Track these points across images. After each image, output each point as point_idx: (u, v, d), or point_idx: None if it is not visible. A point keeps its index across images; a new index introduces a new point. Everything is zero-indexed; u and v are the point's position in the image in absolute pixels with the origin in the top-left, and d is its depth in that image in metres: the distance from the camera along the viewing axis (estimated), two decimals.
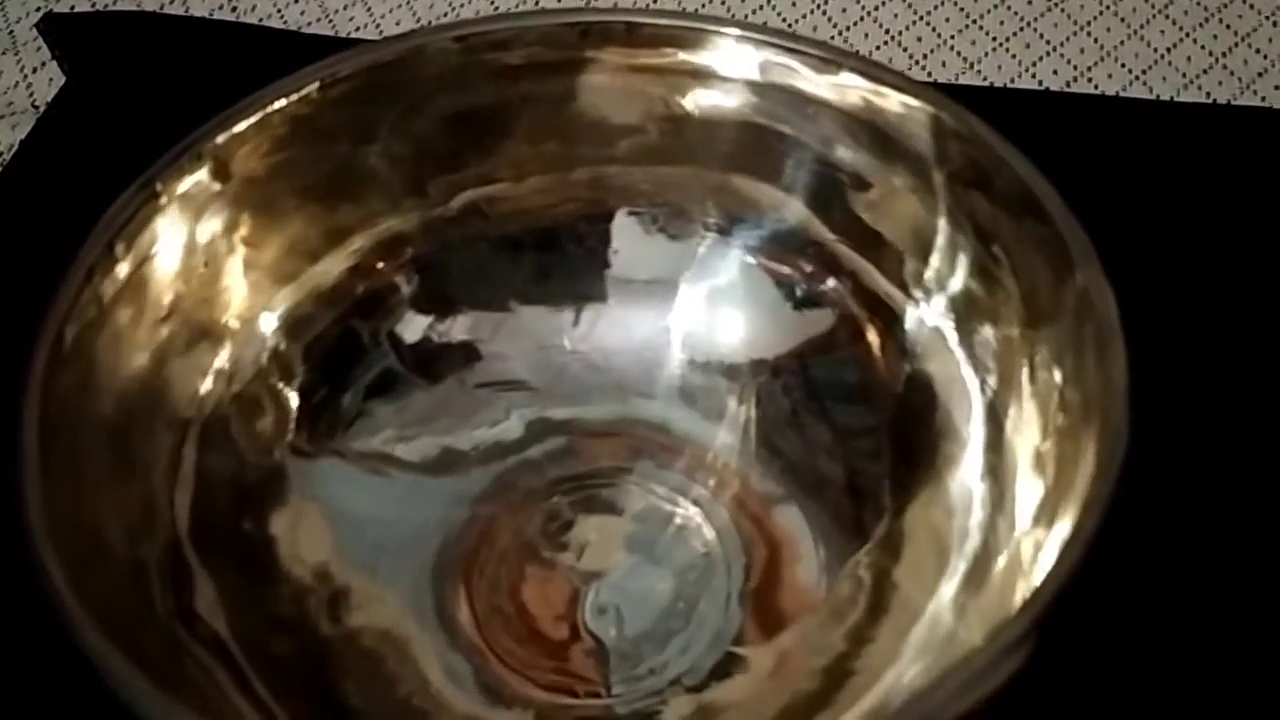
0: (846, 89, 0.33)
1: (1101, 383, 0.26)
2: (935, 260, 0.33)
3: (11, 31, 0.55)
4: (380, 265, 0.35)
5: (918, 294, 0.33)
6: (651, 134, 0.35)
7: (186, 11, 0.53)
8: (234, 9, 0.55)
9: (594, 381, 0.36)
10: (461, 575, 0.33)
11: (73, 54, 0.52)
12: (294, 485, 0.32)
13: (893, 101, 0.32)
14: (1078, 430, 0.27)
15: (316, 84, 0.33)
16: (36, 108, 0.52)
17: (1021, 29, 0.56)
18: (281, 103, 0.32)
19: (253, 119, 0.32)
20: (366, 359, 0.34)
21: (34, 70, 0.53)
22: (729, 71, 0.34)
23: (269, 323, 0.33)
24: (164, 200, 0.30)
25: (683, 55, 0.34)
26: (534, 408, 0.36)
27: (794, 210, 0.35)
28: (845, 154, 0.33)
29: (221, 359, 0.32)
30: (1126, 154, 0.48)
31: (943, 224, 0.32)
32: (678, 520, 0.35)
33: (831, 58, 0.33)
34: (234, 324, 0.32)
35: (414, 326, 0.35)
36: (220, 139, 0.31)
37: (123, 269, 0.29)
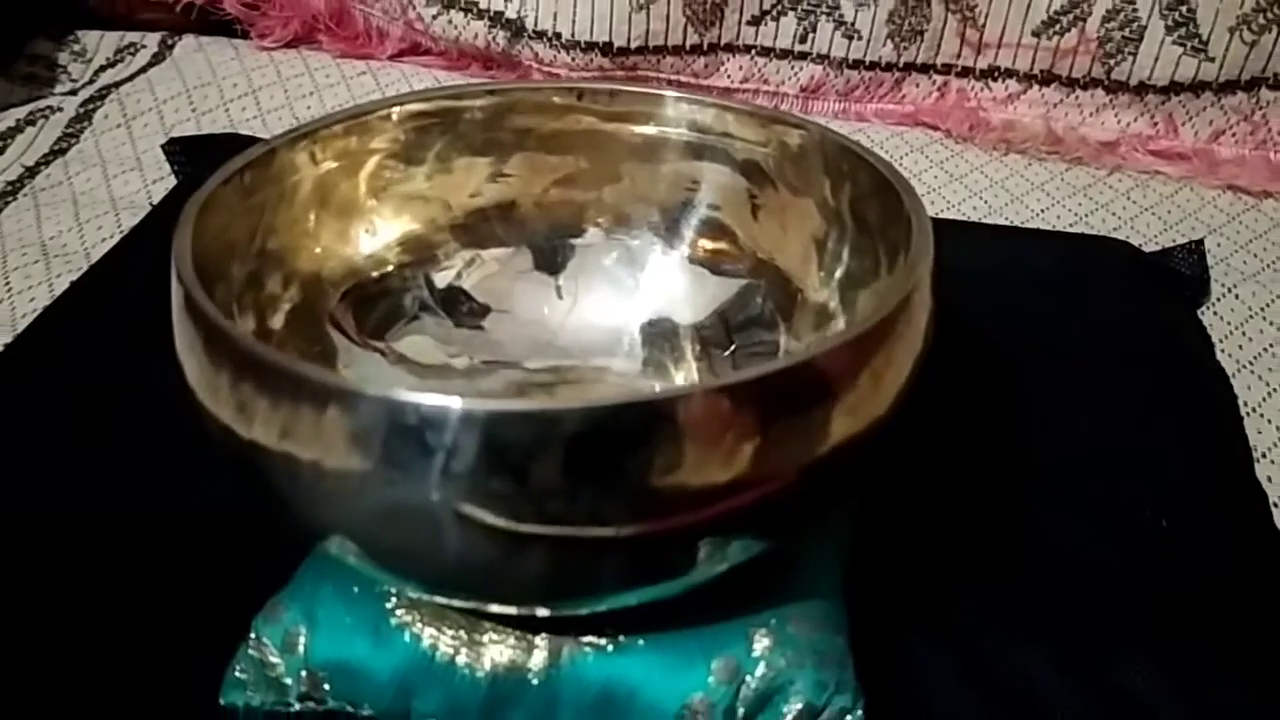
0: (760, 129, 0.46)
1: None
2: (828, 244, 0.45)
3: (139, 158, 0.70)
4: (419, 245, 0.47)
5: (811, 270, 0.45)
6: (618, 165, 0.48)
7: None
8: None
9: (569, 346, 0.48)
10: None
11: (186, 165, 0.67)
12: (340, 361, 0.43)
13: (793, 135, 0.46)
14: None
15: (392, 109, 0.46)
16: (152, 204, 0.66)
17: (925, 193, 0.71)
18: (365, 117, 0.46)
19: (340, 125, 0.45)
20: (410, 295, 0.46)
21: (154, 182, 0.68)
22: (677, 121, 0.48)
23: (337, 265, 0.45)
24: (277, 161, 0.43)
25: (645, 109, 0.48)
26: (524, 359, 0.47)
27: (720, 214, 0.48)
28: (760, 173, 0.47)
29: (294, 288, 0.44)
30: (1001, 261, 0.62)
31: (831, 218, 0.45)
32: None
33: (750, 110, 0.47)
34: (307, 266, 0.44)
35: (444, 278, 0.47)
36: (320, 133, 0.44)
37: (244, 193, 0.41)
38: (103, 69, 0.79)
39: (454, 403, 0.29)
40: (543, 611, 0.35)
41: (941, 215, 0.69)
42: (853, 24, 0.75)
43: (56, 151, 0.70)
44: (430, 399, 0.29)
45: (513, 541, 0.31)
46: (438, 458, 0.30)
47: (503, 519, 0.31)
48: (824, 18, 0.75)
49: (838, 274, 0.45)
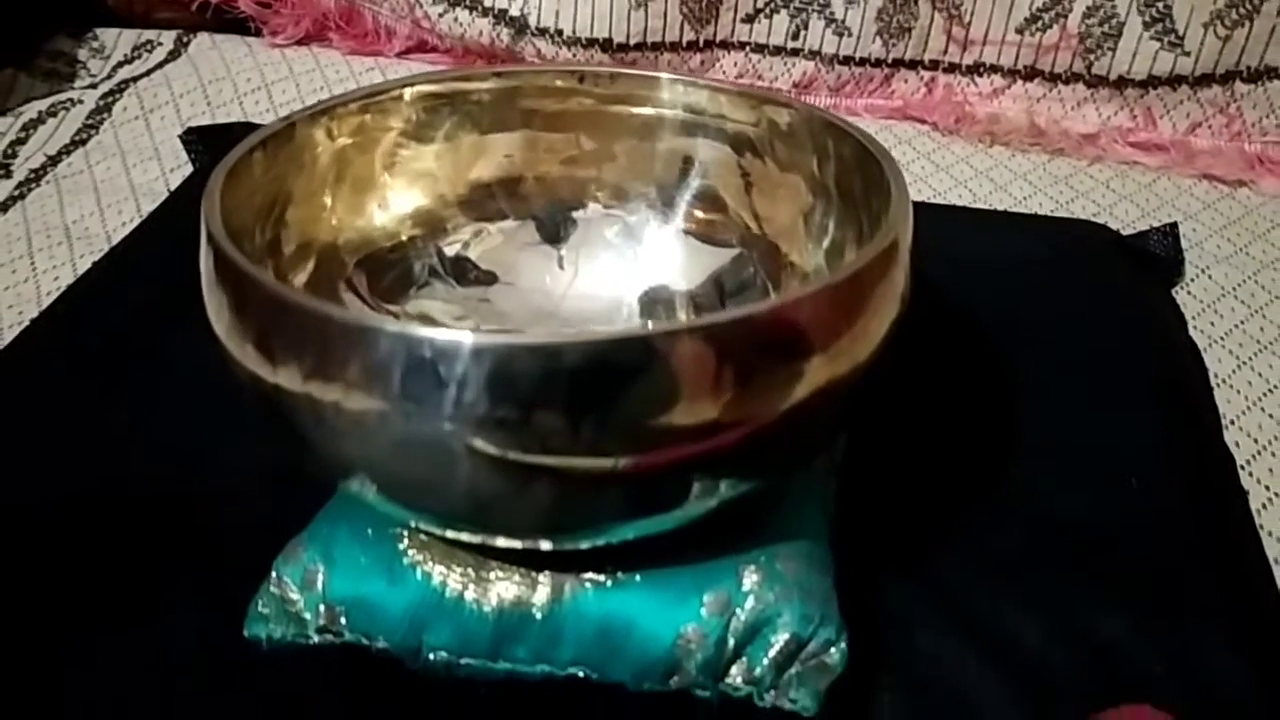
0: (751, 109, 0.49)
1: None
2: (815, 216, 0.48)
3: (156, 148, 0.73)
4: (429, 218, 0.50)
5: (799, 240, 0.48)
6: (616, 144, 0.51)
7: None
8: None
9: (571, 314, 0.50)
10: None
11: (203, 153, 0.70)
12: None
13: (783, 114, 0.49)
14: None
15: (404, 89, 0.49)
16: (169, 190, 0.69)
17: (913, 183, 0.74)
18: (379, 97, 0.48)
19: (356, 103, 0.48)
20: (420, 262, 0.49)
21: (171, 170, 0.71)
22: (672, 103, 0.51)
23: (352, 235, 0.48)
24: (297, 135, 0.46)
25: (642, 92, 0.51)
26: (528, 326, 0.50)
27: (713, 189, 0.50)
28: (751, 150, 0.49)
29: (311, 255, 0.46)
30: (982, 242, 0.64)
31: (818, 191, 0.48)
32: None
33: (741, 91, 0.50)
34: (324, 236, 0.47)
35: (452, 248, 0.50)
36: (337, 111, 0.47)
37: (266, 164, 0.44)
38: (121, 65, 0.82)
39: (466, 337, 0.32)
40: (546, 545, 0.38)
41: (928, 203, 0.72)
42: (843, 21, 0.78)
43: (77, 142, 0.73)
44: (444, 333, 0.32)
45: (519, 471, 0.34)
46: (450, 390, 0.32)
47: (510, 449, 0.33)
48: (815, 15, 0.78)
49: (825, 243, 0.48)
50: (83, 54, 0.83)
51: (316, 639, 0.40)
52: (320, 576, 0.40)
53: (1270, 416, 0.55)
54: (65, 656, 0.41)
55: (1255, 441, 0.54)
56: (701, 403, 0.33)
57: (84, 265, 0.62)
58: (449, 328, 0.32)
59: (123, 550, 0.45)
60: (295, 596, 0.40)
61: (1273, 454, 0.53)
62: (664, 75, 0.51)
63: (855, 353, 0.37)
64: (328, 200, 0.47)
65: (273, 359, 0.35)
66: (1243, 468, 0.52)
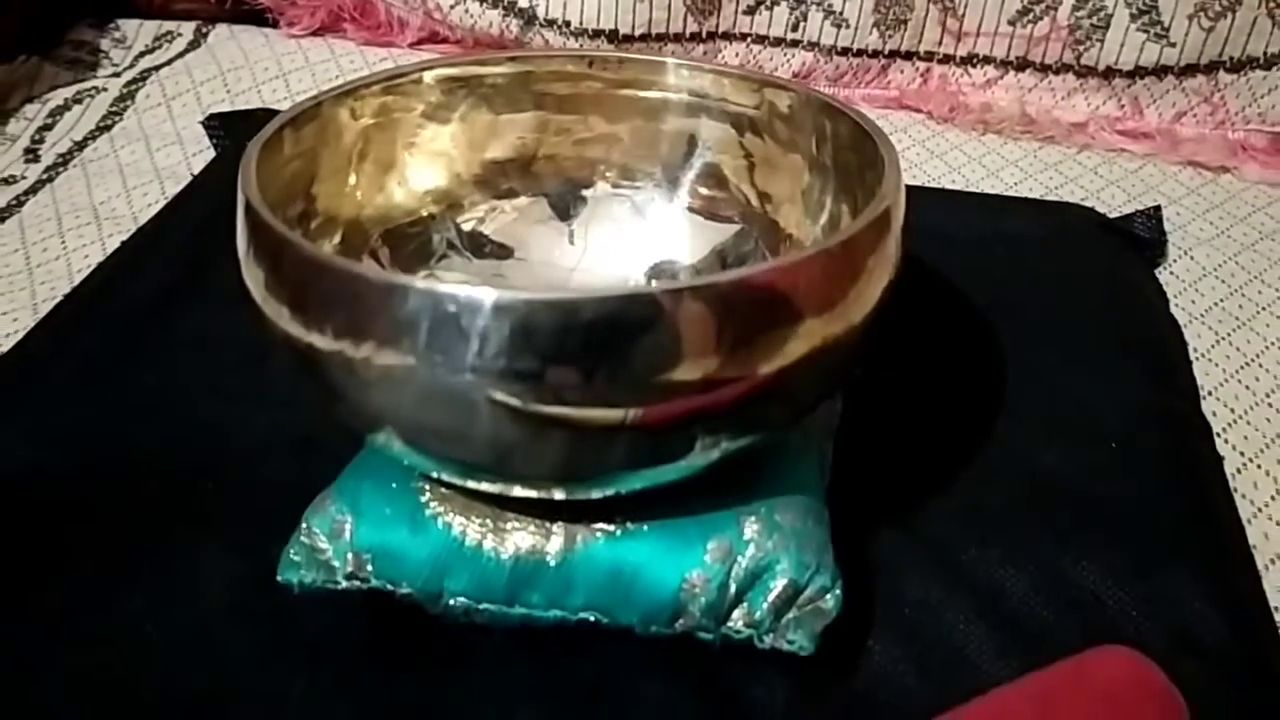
0: (752, 92, 0.52)
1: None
2: (813, 193, 0.51)
3: (179, 134, 0.76)
4: (446, 195, 0.53)
5: (799, 216, 0.51)
6: (624, 124, 0.54)
7: None
8: None
9: (580, 287, 0.53)
10: None
11: (224, 138, 0.73)
12: None
13: (783, 96, 0.51)
14: None
15: (423, 72, 0.52)
16: (192, 174, 0.71)
17: (908, 169, 0.76)
18: (400, 80, 0.51)
19: (378, 85, 0.50)
20: (438, 236, 0.51)
21: (194, 155, 0.74)
22: (677, 86, 0.53)
23: (373, 211, 0.50)
24: (324, 114, 0.48)
25: (649, 76, 0.53)
26: None
27: (716, 168, 0.53)
28: (752, 131, 0.52)
29: (336, 228, 0.49)
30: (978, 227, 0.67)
31: (816, 169, 0.50)
32: None
33: (743, 74, 0.52)
34: (348, 211, 0.50)
35: (468, 224, 0.52)
36: (361, 92, 0.50)
37: (296, 140, 0.46)
38: (142, 54, 0.85)
39: (488, 293, 0.34)
40: (560, 494, 0.40)
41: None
42: (841, 13, 0.81)
43: (103, 127, 0.76)
44: (468, 290, 0.34)
45: (535, 421, 0.36)
46: (473, 343, 0.35)
47: (528, 400, 0.36)
48: (814, 7, 0.81)
49: (822, 218, 0.51)
50: (105, 44, 0.86)
51: (344, 584, 0.42)
52: (348, 527, 0.42)
53: (1246, 388, 0.58)
54: (104, 599, 0.44)
55: (1231, 411, 0.56)
56: (705, 358, 0.36)
57: (113, 244, 0.65)
58: (472, 285, 0.34)
59: (157, 507, 0.48)
60: (324, 545, 0.42)
61: (1248, 423, 0.55)
62: (669, 60, 0.53)
63: (849, 316, 0.39)
64: (352, 177, 0.50)
65: (307, 318, 0.37)
66: (1219, 435, 0.55)
